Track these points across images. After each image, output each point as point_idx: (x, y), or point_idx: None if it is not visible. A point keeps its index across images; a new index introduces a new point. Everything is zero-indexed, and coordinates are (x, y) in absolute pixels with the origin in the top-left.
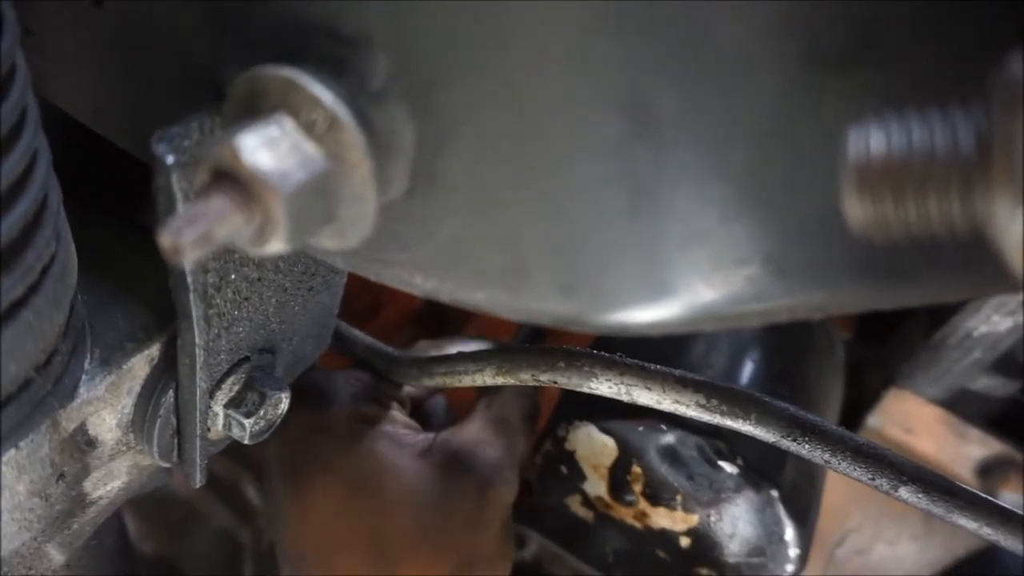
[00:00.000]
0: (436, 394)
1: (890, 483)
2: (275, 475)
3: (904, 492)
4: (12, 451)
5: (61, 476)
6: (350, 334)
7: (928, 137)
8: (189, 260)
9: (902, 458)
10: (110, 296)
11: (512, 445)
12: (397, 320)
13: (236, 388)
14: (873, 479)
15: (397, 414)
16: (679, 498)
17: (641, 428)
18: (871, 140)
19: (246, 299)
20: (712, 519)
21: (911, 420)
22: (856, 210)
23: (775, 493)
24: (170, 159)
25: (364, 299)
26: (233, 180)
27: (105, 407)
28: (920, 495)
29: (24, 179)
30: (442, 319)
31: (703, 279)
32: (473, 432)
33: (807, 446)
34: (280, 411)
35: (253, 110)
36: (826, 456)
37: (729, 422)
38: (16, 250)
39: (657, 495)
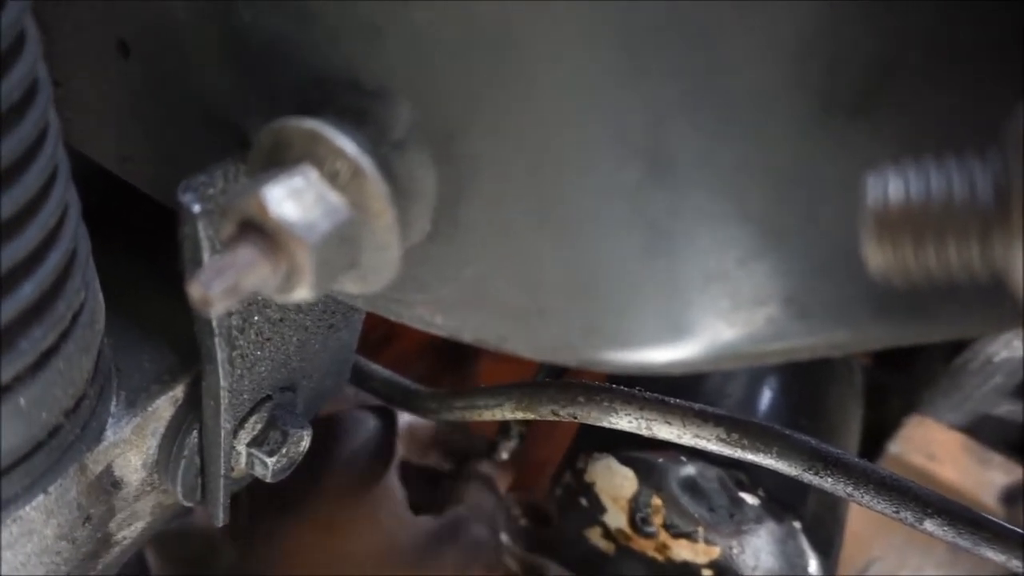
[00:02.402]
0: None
1: (915, 516)
2: (261, 510)
3: (930, 525)
4: (41, 496)
5: (88, 519)
6: (368, 368)
7: (946, 184)
8: (218, 311)
9: (927, 490)
10: (134, 338)
11: (492, 527)
12: (412, 350)
13: (259, 427)
14: (898, 512)
15: (394, 481)
16: (700, 530)
17: (661, 460)
18: (890, 187)
19: (268, 339)
20: (734, 551)
21: (933, 447)
22: (876, 256)
23: (797, 524)
24: (196, 208)
25: (379, 329)
26: (260, 230)
27: (131, 449)
28: (946, 528)
29: (56, 232)
30: (458, 350)
31: (723, 319)
32: (456, 512)
33: (830, 479)
34: (302, 449)
35: (278, 160)
36: (849, 489)
37: (751, 456)
38: (48, 300)
39: (678, 527)
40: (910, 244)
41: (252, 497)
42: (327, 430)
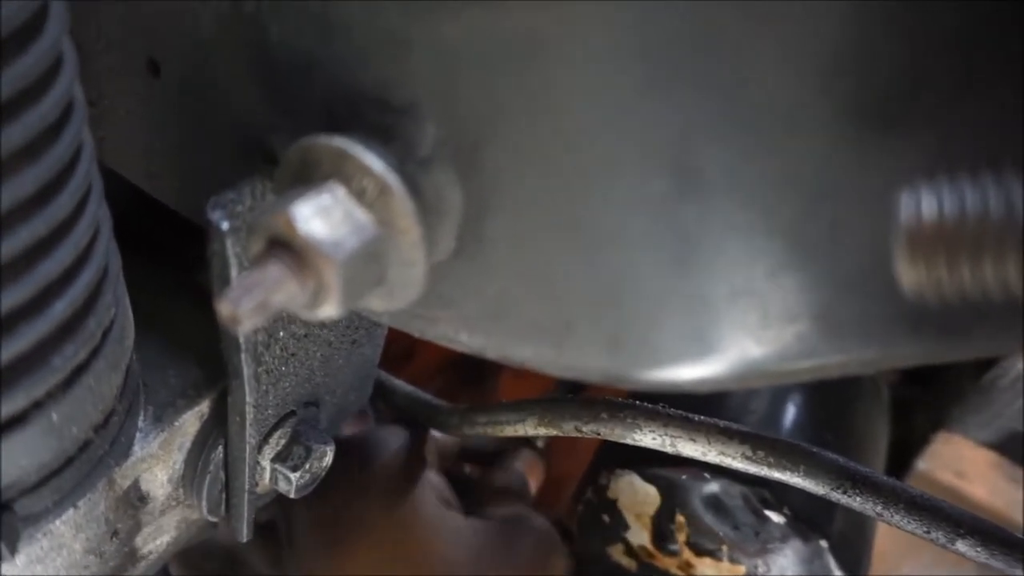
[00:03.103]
0: (514, 462)
1: (947, 536)
2: (306, 537)
3: (962, 545)
4: (71, 511)
5: (115, 533)
6: (391, 383)
7: (982, 201)
8: (247, 328)
9: (958, 509)
10: (161, 353)
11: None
12: (433, 366)
13: (282, 442)
14: (928, 532)
15: (434, 476)
16: (725, 548)
17: (684, 476)
18: (923, 204)
19: (293, 355)
20: (760, 570)
21: (962, 464)
22: (909, 274)
23: (824, 543)
24: (225, 225)
25: (400, 344)
26: (288, 248)
27: (158, 464)
28: (979, 548)
29: (88, 250)
30: (477, 366)
31: (751, 336)
32: (508, 511)
33: (858, 498)
34: (325, 464)
35: (305, 177)
36: (879, 508)
37: (777, 474)
38: (79, 317)
39: (702, 545)
40: (944, 262)
41: (289, 523)
42: (360, 450)
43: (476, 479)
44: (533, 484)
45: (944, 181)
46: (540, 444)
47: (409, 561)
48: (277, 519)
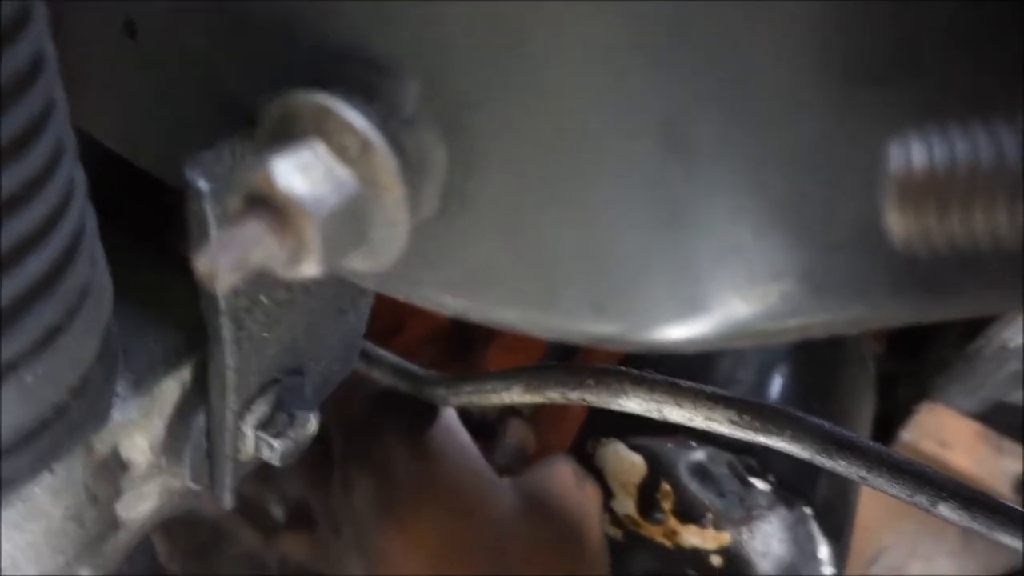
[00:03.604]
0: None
1: (929, 499)
2: (366, 509)
3: (944, 509)
4: (48, 475)
5: (95, 499)
6: (376, 354)
7: (973, 150)
8: (225, 285)
9: (941, 474)
10: (141, 320)
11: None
12: (421, 338)
13: (265, 410)
14: (912, 495)
15: (459, 430)
16: (710, 516)
17: (670, 445)
18: (913, 153)
19: (276, 321)
20: (744, 537)
21: (946, 434)
22: (899, 223)
23: (808, 510)
24: (203, 185)
25: (387, 317)
26: (267, 205)
27: (138, 430)
28: (960, 512)
29: (62, 208)
30: (467, 337)
31: (738, 294)
32: (548, 465)
33: (843, 462)
34: (309, 432)
35: (286, 135)
36: (863, 472)
37: (763, 439)
38: (54, 277)
39: (687, 513)
40: (934, 211)
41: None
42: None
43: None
44: (528, 451)
45: (934, 131)
46: (526, 413)
47: (455, 522)
48: (314, 510)
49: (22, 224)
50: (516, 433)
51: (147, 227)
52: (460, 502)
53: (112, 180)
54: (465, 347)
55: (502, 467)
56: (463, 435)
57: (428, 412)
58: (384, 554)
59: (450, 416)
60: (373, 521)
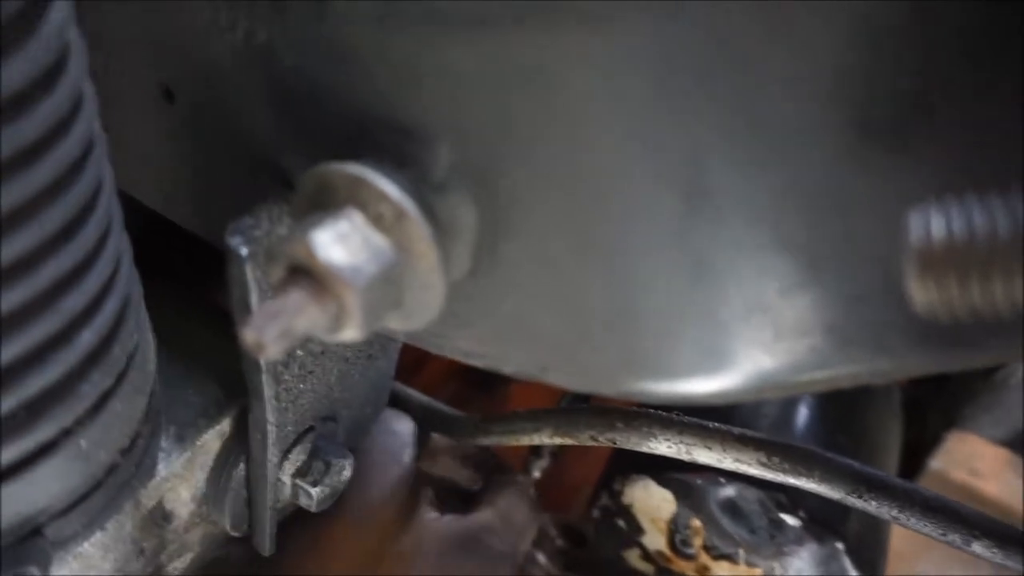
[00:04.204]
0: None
1: (962, 538)
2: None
3: (977, 547)
4: (99, 533)
5: (141, 552)
6: (405, 394)
7: (990, 221)
8: (272, 354)
9: (973, 511)
10: (182, 373)
11: (515, 543)
12: (444, 372)
13: (302, 458)
14: (944, 534)
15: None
16: (741, 552)
17: (700, 481)
18: (932, 224)
19: (311, 372)
20: (776, 573)
21: (975, 462)
22: (920, 293)
23: (840, 545)
24: (244, 251)
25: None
26: (308, 274)
27: (181, 483)
28: (995, 549)
29: (111, 280)
30: (487, 375)
31: (765, 349)
32: (483, 518)
33: (874, 502)
34: (344, 478)
35: (322, 203)
36: (894, 512)
37: (792, 480)
38: (105, 345)
39: (718, 548)
40: (955, 282)
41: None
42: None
43: (478, 490)
44: (521, 519)
45: (952, 201)
46: (537, 474)
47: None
48: None
49: (78, 299)
50: (513, 497)
51: (181, 279)
52: (377, 527)
53: (147, 232)
54: (487, 382)
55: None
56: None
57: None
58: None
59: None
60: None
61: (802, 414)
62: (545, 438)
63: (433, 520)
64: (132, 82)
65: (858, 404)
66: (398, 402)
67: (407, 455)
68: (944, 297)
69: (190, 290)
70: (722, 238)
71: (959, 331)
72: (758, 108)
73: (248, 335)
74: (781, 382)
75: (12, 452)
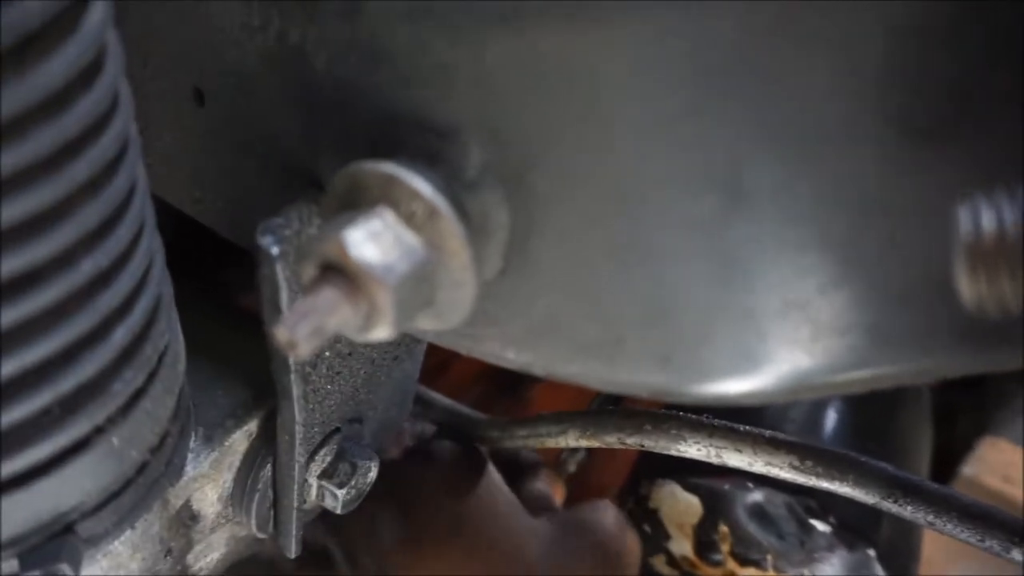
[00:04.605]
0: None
1: (1001, 544)
2: (383, 551)
3: (1017, 553)
4: (128, 531)
5: (169, 551)
6: (430, 397)
7: None
8: (304, 352)
9: (1013, 516)
10: (209, 375)
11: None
12: (468, 376)
13: (328, 459)
14: (983, 540)
15: (498, 477)
16: (769, 558)
17: (727, 486)
18: (982, 218)
19: (338, 373)
20: None
21: (1009, 469)
22: (970, 288)
23: (871, 552)
24: (275, 250)
25: (435, 355)
26: (340, 273)
27: (208, 483)
28: None
29: (144, 280)
30: (513, 376)
31: (803, 348)
32: (590, 509)
33: (909, 508)
34: (370, 480)
35: (354, 202)
36: (930, 518)
37: (825, 484)
38: (137, 344)
39: (746, 555)
40: (1006, 276)
41: (351, 544)
42: (418, 461)
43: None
44: (552, 501)
45: (1002, 193)
46: (572, 468)
47: (484, 559)
48: (328, 544)
49: (111, 297)
50: (544, 481)
51: (210, 280)
52: (488, 540)
53: (180, 237)
54: (512, 385)
55: (532, 511)
56: (496, 476)
57: (470, 459)
58: None
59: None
60: (394, 555)
61: (831, 419)
62: (571, 441)
63: (532, 524)
64: (165, 85)
65: (888, 409)
66: (422, 405)
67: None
68: (995, 291)
69: (219, 293)
70: (760, 237)
71: (1004, 329)
72: (796, 107)
73: (280, 333)
74: (818, 382)
75: (47, 448)
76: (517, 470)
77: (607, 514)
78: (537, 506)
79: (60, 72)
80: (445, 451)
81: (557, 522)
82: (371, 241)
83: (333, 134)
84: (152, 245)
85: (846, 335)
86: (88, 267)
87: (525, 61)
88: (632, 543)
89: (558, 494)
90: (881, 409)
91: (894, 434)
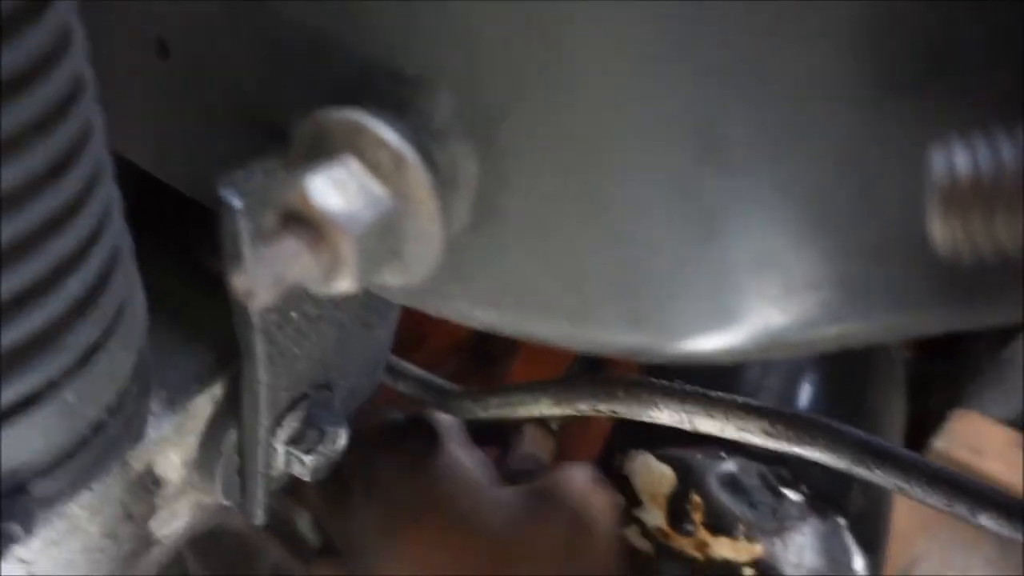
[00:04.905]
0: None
1: (969, 509)
2: (369, 524)
3: (984, 519)
4: (87, 493)
5: (130, 516)
6: (401, 367)
7: (1019, 156)
8: (262, 302)
9: (980, 483)
10: (173, 337)
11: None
12: (443, 349)
13: (296, 425)
14: (950, 505)
15: (462, 451)
16: (741, 527)
17: (700, 456)
18: (957, 160)
19: (306, 336)
20: (777, 548)
21: (980, 441)
22: (944, 232)
23: (842, 521)
24: (236, 203)
25: (409, 328)
26: (302, 222)
27: (171, 447)
28: (1002, 521)
29: (99, 229)
30: (488, 349)
31: (775, 304)
32: (560, 474)
33: (879, 472)
34: (338, 447)
35: (318, 152)
36: (900, 483)
37: (796, 449)
38: (93, 296)
39: (718, 524)
40: (980, 219)
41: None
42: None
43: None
44: (544, 459)
45: (978, 136)
46: (554, 427)
47: (451, 541)
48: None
49: (62, 245)
50: (532, 443)
51: (176, 243)
52: (457, 516)
53: (142, 197)
54: (489, 358)
55: (517, 474)
56: (462, 449)
57: (428, 437)
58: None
59: (451, 432)
60: (376, 547)
61: (805, 390)
62: (544, 409)
63: (499, 495)
64: (128, 36)
65: (862, 381)
66: (394, 375)
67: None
68: (969, 235)
69: (183, 255)
70: (731, 190)
71: (977, 282)
72: (771, 57)
73: (239, 282)
74: (792, 338)
75: None
76: (502, 435)
77: (577, 476)
78: (525, 467)
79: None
80: (398, 432)
81: (526, 491)
82: (335, 189)
83: (300, 85)
84: (109, 195)
85: (818, 290)
86: (39, 210)
87: (495, 9)
88: (604, 505)
89: (547, 450)
90: (855, 381)
91: (868, 405)
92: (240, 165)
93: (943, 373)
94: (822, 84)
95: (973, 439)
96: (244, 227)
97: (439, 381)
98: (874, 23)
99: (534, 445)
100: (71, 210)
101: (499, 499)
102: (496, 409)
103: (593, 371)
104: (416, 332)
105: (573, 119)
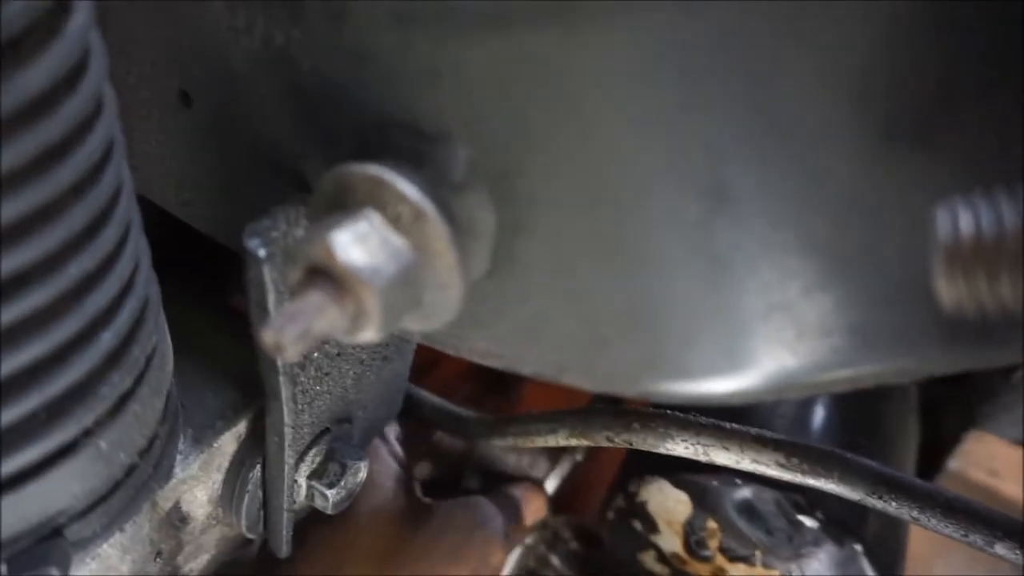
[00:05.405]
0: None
1: (985, 539)
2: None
3: (1000, 548)
4: (117, 534)
5: (159, 554)
6: (419, 395)
7: (1019, 216)
8: (292, 356)
9: (996, 512)
10: (198, 376)
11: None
12: (458, 373)
13: (318, 460)
14: (966, 535)
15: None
16: (758, 553)
17: (716, 482)
18: (960, 220)
19: (327, 374)
20: (794, 574)
21: (995, 463)
22: (948, 290)
23: (859, 547)
24: (262, 252)
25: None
26: (327, 275)
27: (198, 484)
28: (1018, 551)
29: (131, 282)
30: (501, 374)
31: (787, 349)
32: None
33: (894, 503)
34: (359, 479)
35: (340, 204)
36: (915, 513)
37: (811, 481)
38: (125, 347)
39: (735, 550)
40: (983, 277)
41: None
42: None
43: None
44: (529, 515)
45: (980, 196)
46: (580, 457)
47: (364, 541)
48: None
49: (98, 300)
50: (521, 490)
51: (199, 280)
52: (372, 520)
53: (163, 235)
54: (502, 382)
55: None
56: (384, 452)
57: None
58: None
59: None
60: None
61: (819, 415)
62: (561, 439)
63: (411, 498)
64: (151, 87)
65: (875, 405)
66: (412, 403)
67: (395, 452)
68: (972, 293)
69: (207, 294)
70: (743, 239)
71: (984, 329)
72: (780, 108)
73: (267, 336)
74: (803, 381)
75: (34, 453)
76: (504, 476)
77: (476, 508)
78: (502, 507)
79: (45, 75)
80: None
81: (443, 508)
82: (358, 243)
83: (320, 136)
84: (138, 247)
85: (830, 336)
86: (75, 270)
87: (511, 64)
88: (495, 542)
89: (534, 507)
90: (868, 405)
91: (881, 430)
92: (263, 212)
93: (956, 395)
94: (830, 135)
95: (988, 460)
96: (269, 275)
97: (456, 409)
98: (881, 74)
99: (521, 493)
100: (105, 267)
101: (419, 508)
102: (513, 438)
103: (610, 400)
104: (429, 357)
105: (586, 170)
